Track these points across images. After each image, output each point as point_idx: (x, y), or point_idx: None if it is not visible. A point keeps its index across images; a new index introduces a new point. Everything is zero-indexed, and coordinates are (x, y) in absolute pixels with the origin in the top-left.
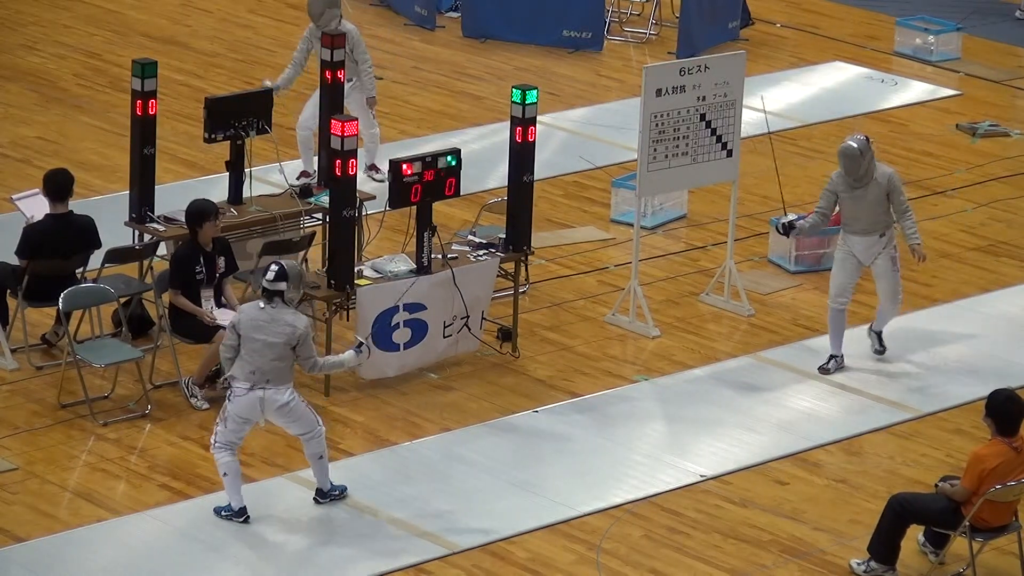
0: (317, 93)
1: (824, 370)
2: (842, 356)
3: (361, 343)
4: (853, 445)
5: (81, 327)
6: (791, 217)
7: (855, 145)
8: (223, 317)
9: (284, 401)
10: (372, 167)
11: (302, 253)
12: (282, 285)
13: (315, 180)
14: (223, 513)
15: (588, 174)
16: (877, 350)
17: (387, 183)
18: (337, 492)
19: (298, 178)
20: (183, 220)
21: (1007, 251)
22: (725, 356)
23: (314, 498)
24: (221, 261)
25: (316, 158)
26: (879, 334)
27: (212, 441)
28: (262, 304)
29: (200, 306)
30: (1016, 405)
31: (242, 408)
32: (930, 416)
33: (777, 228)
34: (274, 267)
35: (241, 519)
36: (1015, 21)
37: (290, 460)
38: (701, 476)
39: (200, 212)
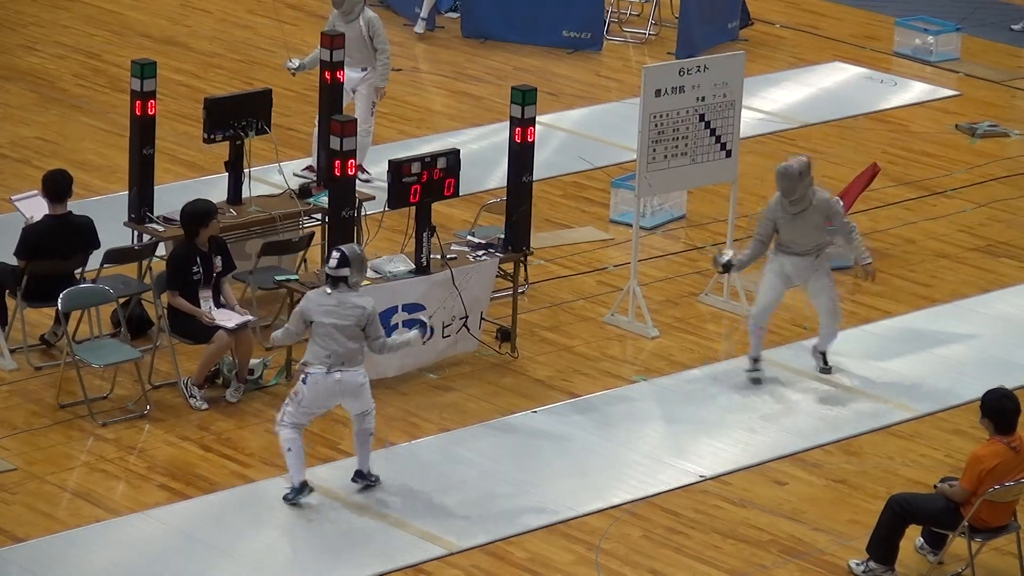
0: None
1: (754, 379)
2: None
3: (424, 322)
4: (852, 445)
5: (80, 327)
6: (727, 255)
7: (794, 166)
8: (222, 317)
9: (361, 382)
10: (359, 168)
11: (301, 253)
12: (345, 271)
13: (314, 178)
14: (289, 497)
15: (587, 174)
16: (823, 369)
17: (371, 184)
18: (374, 479)
19: (304, 170)
20: (183, 224)
21: (1007, 251)
22: (724, 356)
23: (353, 478)
24: (218, 261)
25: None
26: (823, 354)
27: (278, 419)
28: (328, 290)
29: (199, 306)
30: (1010, 402)
31: (320, 392)
32: (929, 416)
33: (717, 268)
34: (336, 254)
35: (305, 493)
36: (1015, 21)
37: None
38: (700, 476)
39: (200, 215)
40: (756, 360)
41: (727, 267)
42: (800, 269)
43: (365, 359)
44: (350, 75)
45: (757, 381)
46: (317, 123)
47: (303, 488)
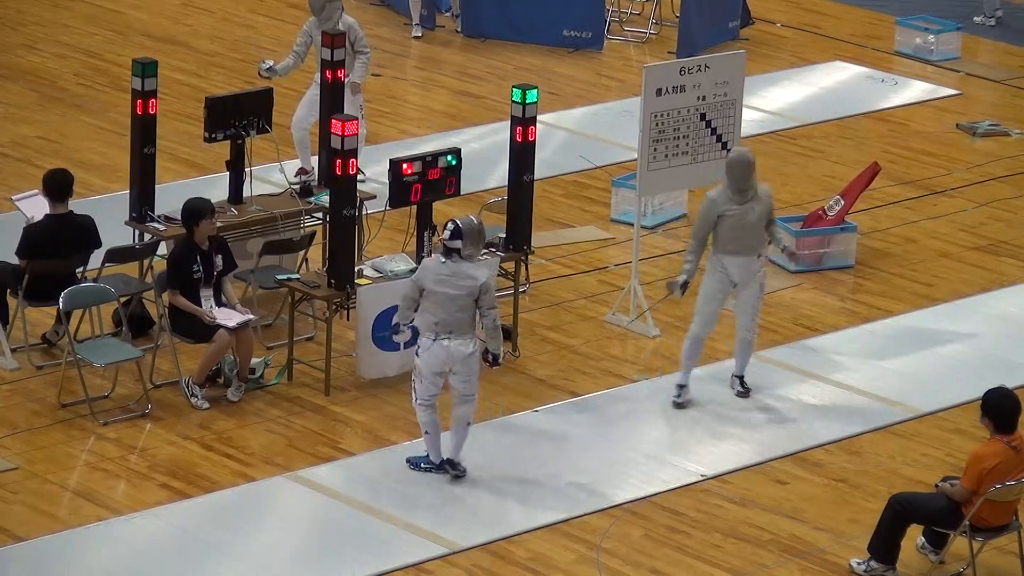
0: (311, 92)
1: (678, 404)
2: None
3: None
4: (853, 444)
5: (81, 326)
6: (682, 277)
7: (748, 153)
8: (222, 316)
9: (470, 352)
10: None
11: (302, 253)
12: (457, 243)
13: (314, 177)
14: (422, 465)
15: (588, 173)
16: (740, 392)
17: (364, 183)
18: (463, 469)
19: (296, 175)
20: (183, 221)
21: (1007, 250)
22: (725, 355)
23: (442, 465)
24: (218, 259)
25: (316, 156)
26: (740, 378)
27: (412, 400)
28: (443, 259)
29: (200, 305)
30: (1010, 401)
31: (432, 359)
32: (930, 416)
33: (677, 294)
34: (450, 225)
35: (440, 471)
36: (1016, 21)
37: (290, 460)
38: (701, 475)
39: (195, 211)
40: (683, 386)
41: (684, 286)
42: (742, 269)
43: (476, 328)
44: None
45: (681, 406)
46: (296, 124)
47: (441, 467)
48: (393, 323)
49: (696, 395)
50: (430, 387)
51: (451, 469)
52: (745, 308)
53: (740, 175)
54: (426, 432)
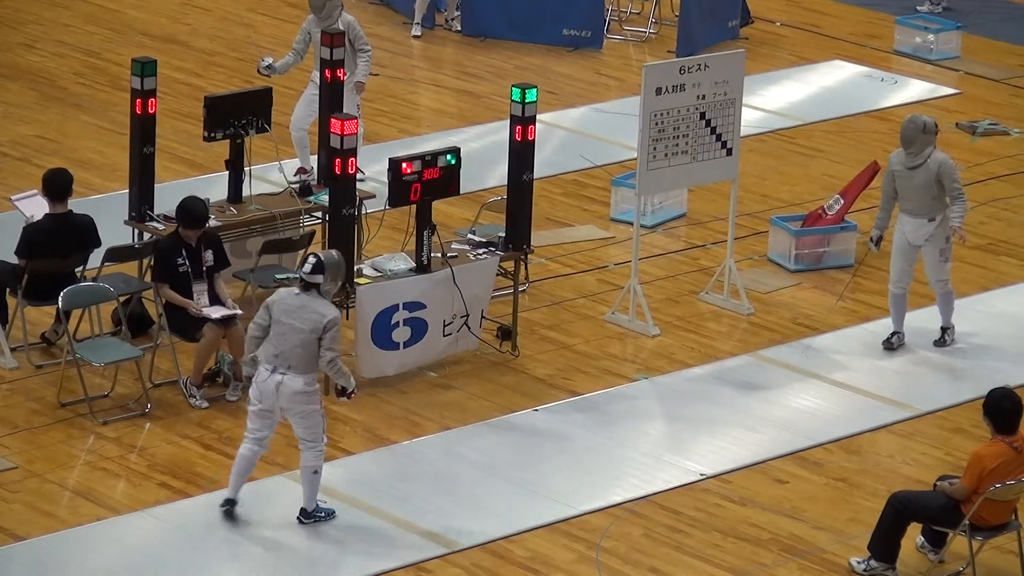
0: (308, 91)
1: (888, 344)
2: (903, 333)
3: (352, 391)
4: (853, 444)
5: (81, 326)
6: (875, 233)
7: (921, 118)
8: (213, 312)
9: (300, 389)
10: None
11: (301, 252)
12: (319, 278)
13: (313, 176)
14: (319, 514)
15: (588, 173)
16: (936, 340)
17: (364, 183)
18: (323, 515)
19: (296, 174)
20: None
21: (1007, 250)
22: (725, 355)
23: (297, 518)
24: (208, 255)
25: (315, 156)
26: (943, 328)
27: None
28: (297, 291)
29: (191, 299)
30: (1010, 402)
31: (260, 391)
32: (930, 415)
33: (871, 247)
34: (312, 259)
35: (223, 507)
36: (1018, 20)
37: (290, 459)
38: (701, 475)
39: (185, 215)
40: (895, 332)
41: (877, 241)
42: (915, 230)
43: (316, 369)
44: None
45: (890, 347)
46: (295, 124)
47: (226, 503)
48: (246, 356)
49: (696, 394)
50: (256, 420)
51: (306, 520)
52: (928, 267)
53: (904, 136)
54: (236, 462)
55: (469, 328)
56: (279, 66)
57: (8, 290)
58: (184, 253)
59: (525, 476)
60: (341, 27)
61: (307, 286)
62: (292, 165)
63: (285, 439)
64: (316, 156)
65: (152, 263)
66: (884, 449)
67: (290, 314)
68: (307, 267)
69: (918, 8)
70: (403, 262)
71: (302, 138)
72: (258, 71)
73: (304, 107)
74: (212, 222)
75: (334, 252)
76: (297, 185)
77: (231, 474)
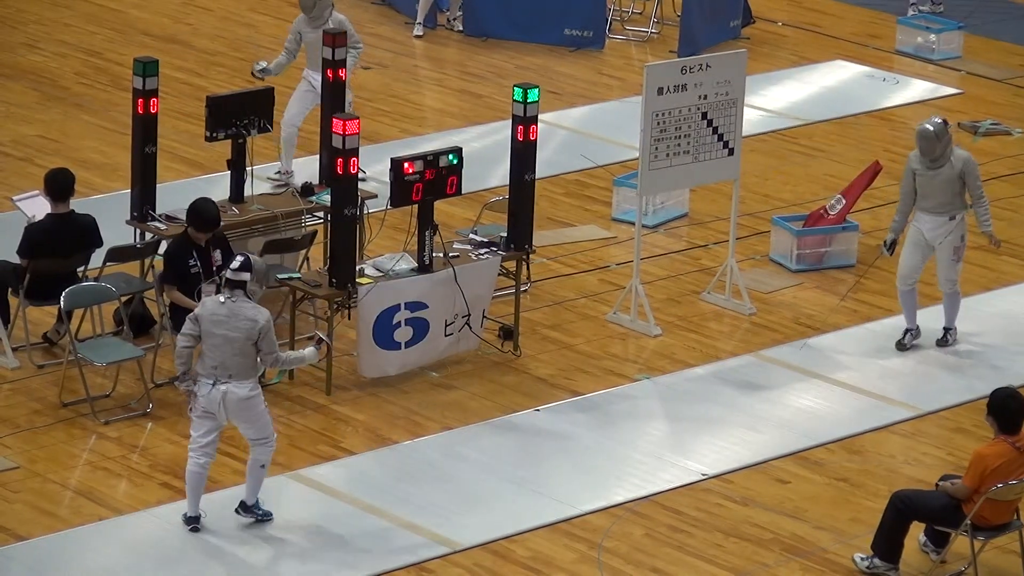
0: (300, 88)
1: (901, 345)
2: (917, 328)
3: (321, 339)
4: (854, 444)
5: (82, 326)
6: (889, 236)
7: (930, 128)
8: None
9: (245, 395)
10: None
11: (303, 252)
12: (245, 275)
13: (294, 178)
14: (259, 514)
15: (589, 173)
16: (938, 340)
17: (366, 183)
18: (261, 513)
19: (276, 173)
20: (185, 218)
21: (1008, 249)
22: (726, 355)
23: (236, 509)
24: (217, 254)
25: (315, 156)
26: (946, 329)
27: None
28: (222, 298)
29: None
30: (1016, 402)
31: (205, 402)
32: (931, 415)
33: (885, 252)
34: (240, 258)
35: (189, 527)
36: (1019, 20)
37: (290, 459)
38: (703, 475)
39: (204, 221)
40: (908, 330)
41: (891, 245)
42: (933, 228)
43: (256, 373)
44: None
45: (903, 347)
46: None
47: (188, 522)
48: (180, 372)
49: (698, 394)
50: (200, 427)
51: (246, 514)
52: (940, 266)
53: (923, 149)
54: (188, 480)
55: (471, 328)
56: (273, 67)
57: (10, 290)
58: (195, 254)
59: (526, 476)
60: (332, 26)
61: (233, 286)
62: (296, 165)
63: (285, 439)
64: (316, 156)
65: (154, 263)
66: (886, 449)
67: (220, 324)
68: (234, 264)
69: (920, 9)
70: (405, 262)
71: (291, 135)
72: (252, 75)
73: (297, 104)
74: None
75: (260, 259)
76: (282, 184)
77: (187, 492)
